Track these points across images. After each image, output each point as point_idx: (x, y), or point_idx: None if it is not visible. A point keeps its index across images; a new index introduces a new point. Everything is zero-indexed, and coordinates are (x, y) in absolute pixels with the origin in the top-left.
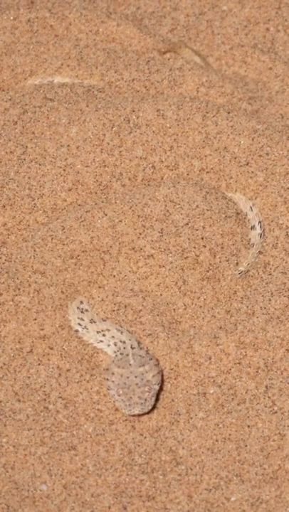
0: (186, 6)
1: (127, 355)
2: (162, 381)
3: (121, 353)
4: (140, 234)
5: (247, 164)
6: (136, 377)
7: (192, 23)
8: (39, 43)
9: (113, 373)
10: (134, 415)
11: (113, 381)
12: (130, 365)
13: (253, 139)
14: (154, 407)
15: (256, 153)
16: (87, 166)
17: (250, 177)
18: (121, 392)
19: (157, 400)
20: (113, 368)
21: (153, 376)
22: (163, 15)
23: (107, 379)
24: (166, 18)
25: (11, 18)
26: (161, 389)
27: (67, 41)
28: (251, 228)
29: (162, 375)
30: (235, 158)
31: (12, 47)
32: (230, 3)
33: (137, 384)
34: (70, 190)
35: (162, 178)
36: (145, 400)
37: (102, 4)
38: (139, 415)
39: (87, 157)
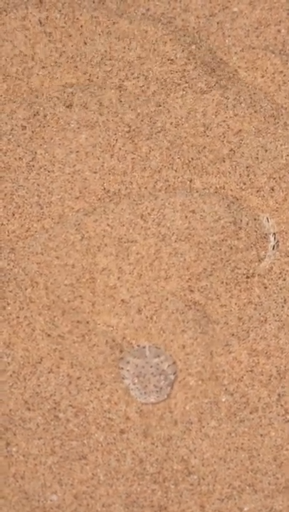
0: (196, 8)
1: (144, 347)
2: (177, 372)
3: (138, 345)
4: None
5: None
6: (151, 367)
7: (203, 24)
8: (50, 44)
9: (128, 362)
10: (149, 403)
11: (128, 370)
12: (146, 356)
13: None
14: (168, 397)
15: (279, 173)
16: (95, 173)
17: (271, 195)
18: (136, 380)
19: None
20: (128, 358)
21: (168, 366)
22: (173, 16)
23: (122, 368)
24: (177, 20)
25: (20, 18)
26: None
27: (79, 42)
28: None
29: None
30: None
31: (22, 49)
32: (241, 4)
33: (152, 373)
34: (77, 198)
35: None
36: (161, 388)
37: (112, 6)
38: (154, 404)
39: (95, 162)
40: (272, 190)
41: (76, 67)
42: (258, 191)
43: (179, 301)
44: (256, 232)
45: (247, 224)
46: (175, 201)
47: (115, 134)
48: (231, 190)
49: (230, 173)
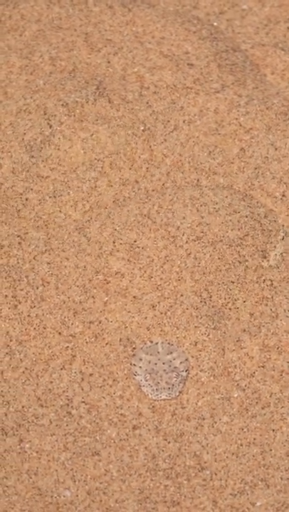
0: (205, 5)
1: (156, 343)
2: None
3: (150, 341)
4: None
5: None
6: (164, 363)
7: (212, 21)
8: (66, 37)
9: (141, 359)
10: (160, 400)
11: (140, 367)
12: (158, 352)
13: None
14: (180, 394)
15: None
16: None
17: (282, 200)
18: (148, 377)
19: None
20: (141, 354)
21: (181, 363)
22: (183, 13)
23: (134, 364)
24: (187, 16)
25: (33, 12)
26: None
27: (96, 34)
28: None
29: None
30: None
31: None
32: (250, 1)
33: (164, 370)
34: (87, 201)
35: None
36: (172, 385)
37: (117, 8)
38: (165, 400)
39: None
40: (284, 195)
41: (92, 61)
42: (268, 195)
43: (193, 296)
44: (273, 226)
45: (265, 217)
46: (184, 196)
47: (134, 135)
48: (239, 188)
49: (236, 173)
